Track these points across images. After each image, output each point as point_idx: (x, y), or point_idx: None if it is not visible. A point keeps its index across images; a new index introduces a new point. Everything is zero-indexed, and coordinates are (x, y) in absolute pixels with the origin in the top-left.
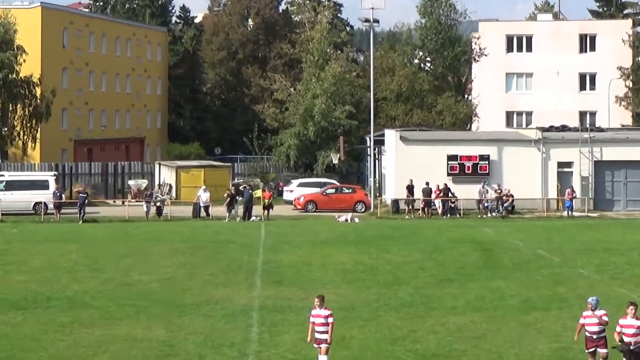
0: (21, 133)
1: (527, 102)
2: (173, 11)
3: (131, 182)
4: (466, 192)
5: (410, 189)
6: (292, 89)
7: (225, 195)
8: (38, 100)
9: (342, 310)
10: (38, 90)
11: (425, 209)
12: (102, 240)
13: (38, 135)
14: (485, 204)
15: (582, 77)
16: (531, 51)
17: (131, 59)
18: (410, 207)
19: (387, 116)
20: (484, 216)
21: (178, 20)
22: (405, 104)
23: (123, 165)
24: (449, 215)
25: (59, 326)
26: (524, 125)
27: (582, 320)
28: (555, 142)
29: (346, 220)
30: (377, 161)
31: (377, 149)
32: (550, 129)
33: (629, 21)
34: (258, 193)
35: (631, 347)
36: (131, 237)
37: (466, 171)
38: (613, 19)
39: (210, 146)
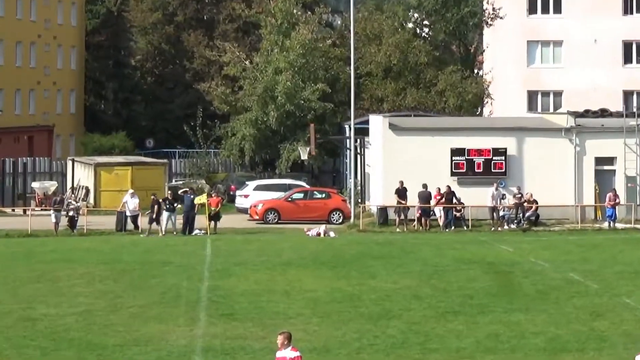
0: None
1: (555, 79)
2: None
3: (35, 185)
4: (476, 198)
5: (401, 193)
6: (247, 62)
7: (153, 202)
8: None
9: (314, 352)
10: None
11: (422, 220)
12: None
13: None
14: (501, 213)
15: (627, 46)
16: (560, 12)
17: (37, 24)
18: (403, 217)
19: (372, 97)
20: (499, 229)
21: None
22: (395, 81)
23: (25, 162)
24: (453, 227)
25: None
26: (551, 109)
27: None
28: (592, 132)
29: (318, 234)
30: (359, 156)
31: (359, 140)
32: (586, 113)
33: None
34: (202, 199)
35: None
36: (35, 257)
37: (476, 170)
38: None
39: (140, 137)
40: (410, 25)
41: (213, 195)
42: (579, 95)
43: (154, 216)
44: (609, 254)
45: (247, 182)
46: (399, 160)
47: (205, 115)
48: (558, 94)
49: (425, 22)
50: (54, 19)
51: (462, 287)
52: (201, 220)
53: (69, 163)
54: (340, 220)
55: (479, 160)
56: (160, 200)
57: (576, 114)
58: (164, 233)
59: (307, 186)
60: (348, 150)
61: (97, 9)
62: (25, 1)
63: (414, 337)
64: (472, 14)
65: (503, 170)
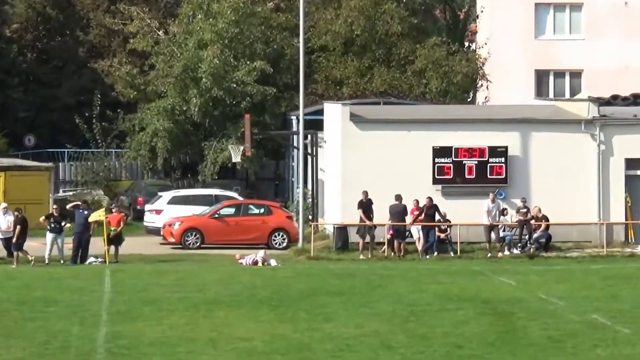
0: None
1: (572, 55)
2: None
3: None
4: (467, 213)
5: (366, 207)
6: (161, 33)
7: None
8: None
9: None
10: None
11: (395, 243)
12: None
13: None
14: (501, 234)
15: None
16: None
17: None
18: (368, 239)
19: (328, 79)
20: (499, 254)
21: None
22: (359, 58)
23: None
24: (435, 253)
25: None
26: (567, 95)
27: None
28: (622, 124)
29: (255, 262)
30: (309, 158)
31: (310, 136)
32: (614, 100)
33: None
34: (100, 215)
35: None
36: None
37: (467, 175)
38: None
39: (16, 133)
40: None
41: (114, 210)
42: (604, 76)
43: (17, 239)
44: None
45: (159, 193)
46: (363, 163)
47: (104, 104)
48: (576, 75)
49: None
50: None
51: (448, 334)
52: (98, 244)
53: None
54: (285, 244)
55: (470, 162)
56: (43, 218)
57: (600, 101)
58: (47, 261)
59: (241, 198)
60: (295, 150)
61: None
62: None
63: None
64: None
65: (503, 177)
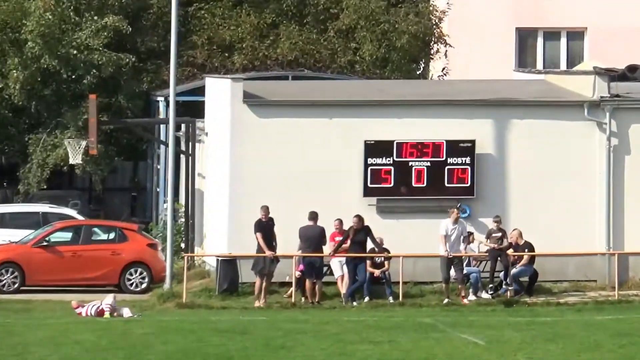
0: None
1: (570, 9)
2: None
3: None
4: (414, 239)
5: (266, 229)
6: None
7: None
8: None
9: None
10: None
11: (307, 283)
12: None
13: None
14: (464, 270)
15: None
16: None
17: None
18: (267, 277)
19: (211, 42)
20: (464, 301)
21: None
22: (258, 11)
23: None
24: (367, 298)
25: None
26: (563, 65)
27: None
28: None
29: (101, 312)
30: (184, 159)
31: (185, 126)
32: (631, 73)
33: None
34: None
35: None
36: None
37: (415, 183)
38: None
39: None
40: None
41: None
42: (615, 39)
43: None
44: None
45: None
46: (262, 165)
47: None
48: (576, 36)
49: None
50: None
51: None
52: None
53: None
54: (145, 285)
55: (420, 164)
56: None
57: (612, 74)
58: None
59: (81, 218)
60: (163, 147)
61: None
62: None
63: None
64: None
65: (468, 185)
